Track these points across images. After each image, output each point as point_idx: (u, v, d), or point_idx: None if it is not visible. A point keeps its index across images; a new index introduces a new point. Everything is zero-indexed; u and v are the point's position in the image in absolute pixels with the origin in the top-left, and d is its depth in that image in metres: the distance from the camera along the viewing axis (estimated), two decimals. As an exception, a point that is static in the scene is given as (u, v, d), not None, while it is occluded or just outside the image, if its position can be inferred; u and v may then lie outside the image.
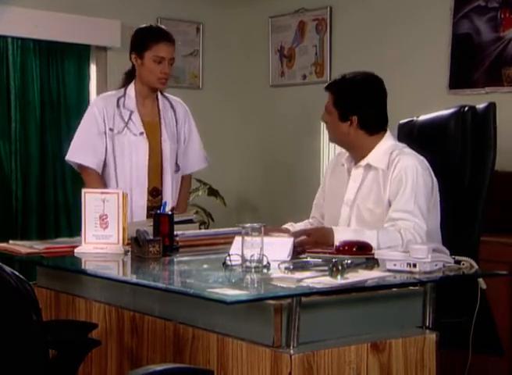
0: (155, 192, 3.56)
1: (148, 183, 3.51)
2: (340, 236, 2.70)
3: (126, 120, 3.53)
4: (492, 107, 2.98)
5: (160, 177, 3.56)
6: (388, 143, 2.94)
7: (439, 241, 2.85)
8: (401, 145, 2.95)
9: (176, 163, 3.63)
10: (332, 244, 2.67)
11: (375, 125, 2.95)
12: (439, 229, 2.89)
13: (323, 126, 5.32)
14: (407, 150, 2.91)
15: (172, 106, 3.65)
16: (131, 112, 3.54)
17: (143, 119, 3.56)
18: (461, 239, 2.91)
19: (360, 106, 2.92)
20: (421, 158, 2.89)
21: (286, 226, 3.09)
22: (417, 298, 2.39)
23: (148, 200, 3.52)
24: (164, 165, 3.57)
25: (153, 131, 3.57)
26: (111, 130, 3.51)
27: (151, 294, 2.40)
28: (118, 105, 3.54)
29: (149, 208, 3.46)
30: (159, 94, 3.63)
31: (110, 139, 3.52)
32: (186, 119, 3.70)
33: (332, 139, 3.07)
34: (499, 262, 3.33)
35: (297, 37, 5.54)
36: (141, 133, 3.53)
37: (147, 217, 3.39)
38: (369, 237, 2.68)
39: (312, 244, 2.70)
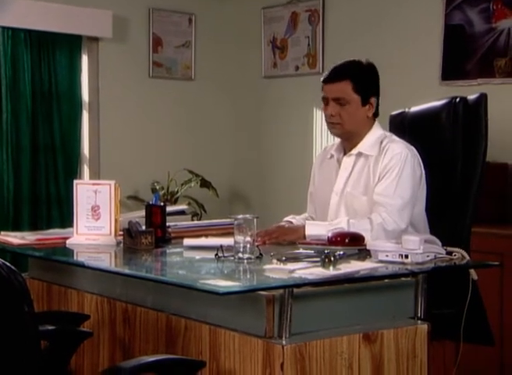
0: None
1: None
2: (311, 229, 2.80)
3: None
4: (483, 98, 2.98)
5: None
6: (378, 132, 2.97)
7: (426, 228, 2.90)
8: (389, 134, 2.99)
9: None
10: (303, 237, 2.78)
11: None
12: (423, 216, 2.92)
13: (316, 117, 5.32)
14: (396, 138, 2.95)
15: None
16: None
17: None
18: (453, 230, 2.92)
19: (377, 87, 2.97)
20: (411, 146, 2.92)
21: (287, 218, 3.11)
22: (408, 289, 2.39)
23: None
24: None
25: None
26: None
27: (144, 285, 2.40)
28: None
29: None
30: None
31: None
32: None
33: (349, 128, 2.92)
34: (490, 252, 3.33)
35: (290, 28, 5.53)
36: None
37: None
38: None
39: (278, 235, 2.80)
